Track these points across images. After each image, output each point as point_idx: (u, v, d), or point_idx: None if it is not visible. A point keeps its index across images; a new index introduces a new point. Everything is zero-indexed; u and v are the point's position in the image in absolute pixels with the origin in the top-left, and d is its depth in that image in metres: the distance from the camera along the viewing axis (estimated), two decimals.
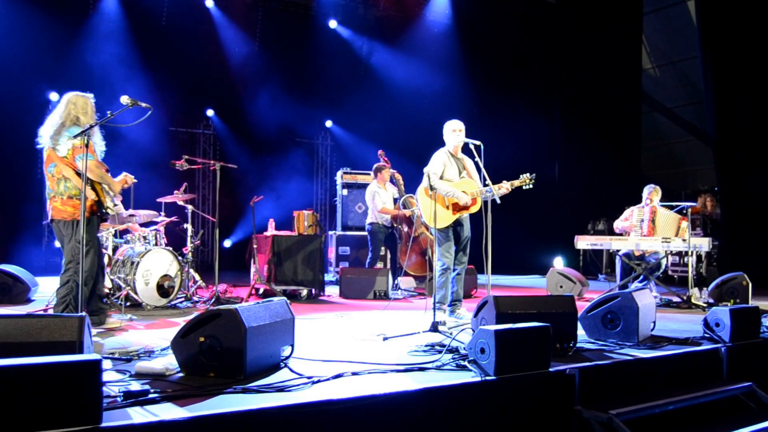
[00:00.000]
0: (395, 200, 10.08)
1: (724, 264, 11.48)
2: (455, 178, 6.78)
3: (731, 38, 12.03)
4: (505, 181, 6.62)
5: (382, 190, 9.94)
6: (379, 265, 10.35)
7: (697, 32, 12.84)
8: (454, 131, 6.85)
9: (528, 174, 6.66)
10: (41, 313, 5.89)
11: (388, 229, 9.99)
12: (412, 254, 9.93)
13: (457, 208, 6.72)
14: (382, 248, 10.42)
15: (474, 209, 6.79)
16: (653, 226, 8.87)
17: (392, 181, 10.13)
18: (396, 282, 9.54)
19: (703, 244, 8.50)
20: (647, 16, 16.32)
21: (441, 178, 6.71)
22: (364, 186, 11.53)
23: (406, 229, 9.92)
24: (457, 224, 6.79)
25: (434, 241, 6.82)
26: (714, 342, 5.35)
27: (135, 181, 6.08)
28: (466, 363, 4.11)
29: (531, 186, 6.69)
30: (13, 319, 3.44)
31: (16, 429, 2.60)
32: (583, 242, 9.07)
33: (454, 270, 6.79)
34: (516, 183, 6.66)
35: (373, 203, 9.84)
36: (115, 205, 6.30)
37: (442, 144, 6.95)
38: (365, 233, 10.40)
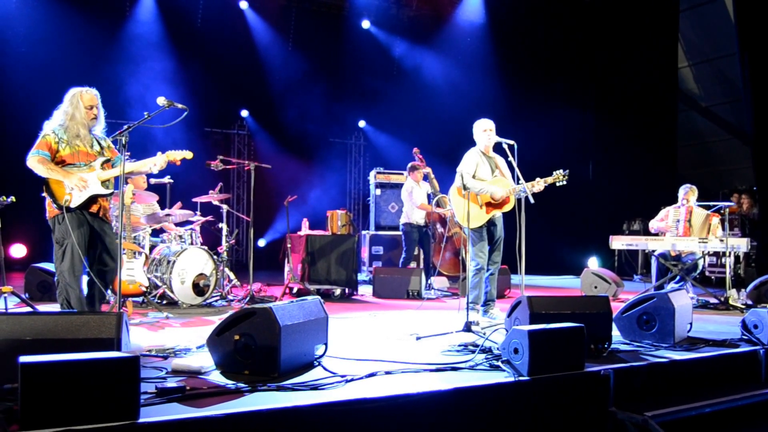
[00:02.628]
0: (429, 197, 10.08)
1: (762, 265, 11.27)
2: (488, 177, 6.75)
3: None
4: (538, 178, 6.58)
5: (417, 187, 9.96)
6: (413, 264, 10.36)
7: (735, 29, 12.62)
8: (484, 131, 6.82)
9: (561, 170, 6.58)
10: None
11: (422, 229, 9.99)
12: (446, 254, 9.92)
13: (490, 207, 6.69)
14: (416, 248, 10.43)
15: (507, 208, 6.75)
16: (689, 227, 8.75)
17: (425, 178, 10.14)
18: (429, 282, 9.53)
19: (741, 244, 8.37)
20: (683, 14, 16.07)
21: (474, 177, 6.68)
22: (397, 185, 11.55)
23: (439, 228, 9.91)
24: (490, 224, 6.76)
25: (467, 241, 6.80)
26: (752, 344, 5.26)
27: (163, 164, 5.48)
28: (499, 363, 4.10)
29: (564, 182, 6.60)
30: (53, 316, 3.51)
31: (56, 423, 2.65)
32: (618, 242, 8.99)
33: (487, 270, 6.76)
34: (549, 180, 6.60)
35: (411, 199, 9.85)
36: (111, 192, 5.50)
37: (474, 143, 6.93)
38: (398, 233, 10.42)
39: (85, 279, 5.34)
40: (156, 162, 5.48)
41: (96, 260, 5.34)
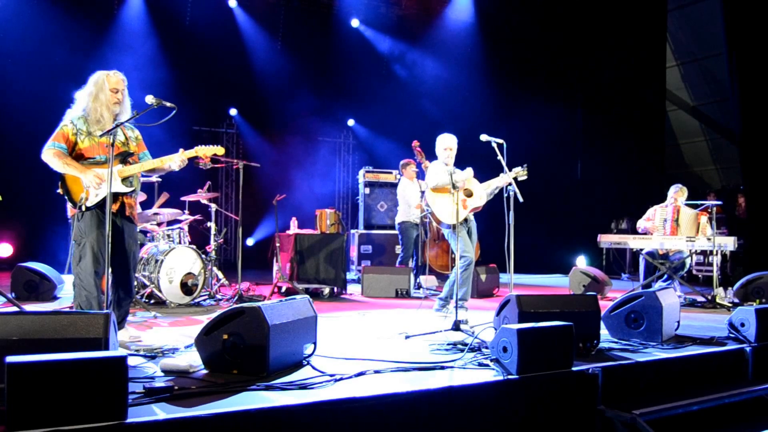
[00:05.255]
0: (422, 194, 10.08)
1: (749, 263, 11.35)
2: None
3: (757, 35, 11.87)
4: (501, 174, 6.64)
5: (410, 184, 9.96)
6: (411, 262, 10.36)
7: (722, 29, 12.70)
8: (445, 149, 6.83)
9: (520, 167, 6.69)
10: (67, 310, 5.95)
11: (418, 227, 10.01)
12: (440, 251, 9.91)
13: (465, 204, 6.73)
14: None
15: (477, 202, 6.80)
16: (677, 226, 8.79)
17: (421, 175, 10.15)
18: (418, 281, 9.53)
19: (728, 243, 8.41)
20: (671, 13, 16.16)
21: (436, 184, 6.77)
22: (387, 185, 11.55)
23: (435, 224, 9.91)
24: (468, 221, 6.86)
25: (455, 239, 6.80)
26: (739, 342, 5.30)
27: (175, 163, 5.08)
28: (488, 362, 4.11)
29: (525, 177, 6.66)
30: (40, 316, 3.48)
31: (43, 423, 2.64)
32: (606, 241, 9.02)
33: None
34: (511, 174, 6.56)
35: (406, 199, 9.87)
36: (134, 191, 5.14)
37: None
38: (387, 232, 10.42)
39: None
40: (177, 158, 5.09)
41: (118, 262, 4.96)
